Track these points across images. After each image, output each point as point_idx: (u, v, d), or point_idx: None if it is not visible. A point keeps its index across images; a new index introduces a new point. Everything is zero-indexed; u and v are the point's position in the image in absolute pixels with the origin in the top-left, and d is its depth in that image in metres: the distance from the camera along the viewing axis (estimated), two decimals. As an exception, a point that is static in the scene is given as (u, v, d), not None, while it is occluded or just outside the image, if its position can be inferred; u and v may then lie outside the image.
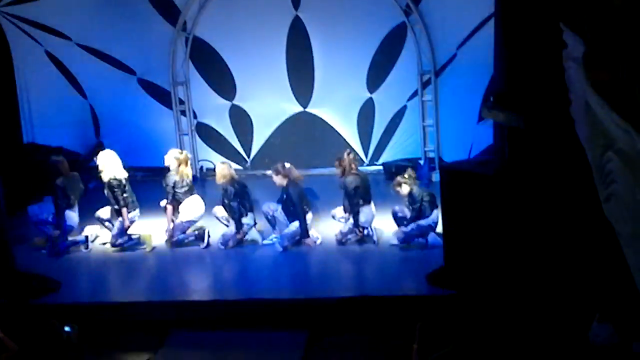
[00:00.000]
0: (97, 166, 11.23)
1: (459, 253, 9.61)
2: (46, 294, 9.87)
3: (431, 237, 10.79)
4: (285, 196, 11.11)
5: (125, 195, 11.04)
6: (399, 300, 9.55)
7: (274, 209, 11.22)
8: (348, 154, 11.21)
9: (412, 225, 10.80)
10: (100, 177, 11.17)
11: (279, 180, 11.12)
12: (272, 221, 11.31)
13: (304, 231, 11.04)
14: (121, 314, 9.63)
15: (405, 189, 10.83)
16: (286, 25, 13.47)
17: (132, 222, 11.19)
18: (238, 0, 13.41)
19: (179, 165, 11.23)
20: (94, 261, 11.07)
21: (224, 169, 11.30)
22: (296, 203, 11.00)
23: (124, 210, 11.04)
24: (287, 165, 11.28)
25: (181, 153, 11.50)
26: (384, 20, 13.30)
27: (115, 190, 10.99)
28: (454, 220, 9.61)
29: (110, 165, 11.08)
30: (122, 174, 11.13)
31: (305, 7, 13.31)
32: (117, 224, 11.17)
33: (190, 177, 11.45)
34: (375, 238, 11.09)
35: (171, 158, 11.29)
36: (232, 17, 13.50)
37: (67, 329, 8.11)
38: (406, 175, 10.86)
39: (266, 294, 9.82)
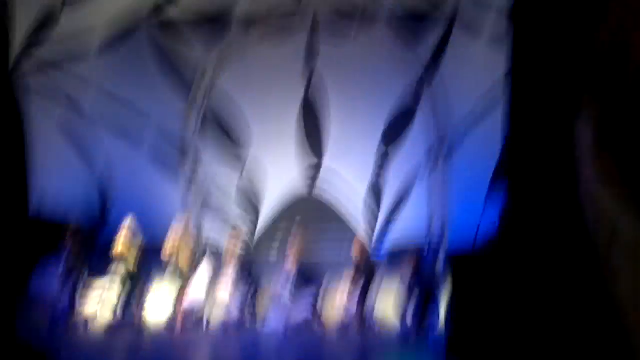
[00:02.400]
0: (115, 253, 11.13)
1: (463, 343, 9.36)
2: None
3: (432, 334, 10.61)
4: (294, 276, 10.99)
5: None
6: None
7: (282, 290, 11.10)
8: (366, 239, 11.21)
9: (412, 321, 10.64)
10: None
11: (293, 257, 11.01)
12: (276, 303, 11.16)
13: (315, 315, 10.93)
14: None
15: (408, 276, 10.73)
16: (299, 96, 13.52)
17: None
18: (252, 82, 13.46)
19: (182, 253, 11.14)
20: (92, 341, 10.90)
21: (232, 250, 11.22)
22: (303, 284, 10.89)
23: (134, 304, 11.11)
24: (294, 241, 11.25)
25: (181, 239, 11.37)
26: (396, 90, 13.41)
27: None
28: (461, 308, 9.39)
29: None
30: None
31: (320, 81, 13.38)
32: None
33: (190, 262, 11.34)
34: (377, 323, 10.98)
35: (173, 246, 11.19)
36: (245, 87, 13.58)
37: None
38: (410, 263, 10.75)
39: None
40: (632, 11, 6.64)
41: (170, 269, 11.15)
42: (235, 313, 11.05)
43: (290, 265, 11.03)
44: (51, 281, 11.58)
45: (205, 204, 14.28)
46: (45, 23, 12.18)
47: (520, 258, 8.78)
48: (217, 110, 13.86)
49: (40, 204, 13.59)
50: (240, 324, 11.08)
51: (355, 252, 11.20)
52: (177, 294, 11.10)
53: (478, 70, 12.23)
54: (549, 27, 8.18)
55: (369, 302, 10.94)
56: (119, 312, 11.12)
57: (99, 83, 13.30)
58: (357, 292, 11.02)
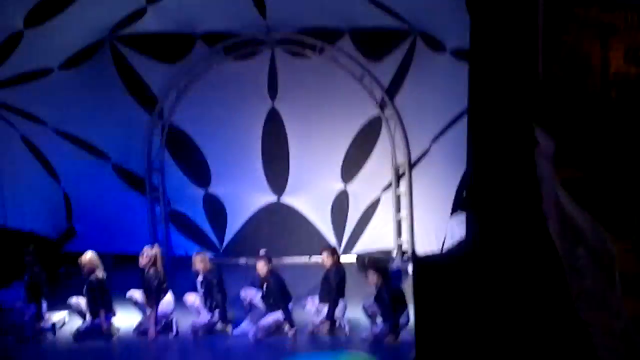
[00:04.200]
0: (81, 263, 11.11)
1: (431, 348, 9.52)
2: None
3: (403, 335, 10.73)
4: (265, 285, 11.05)
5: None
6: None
7: (253, 295, 11.14)
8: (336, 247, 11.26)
9: (381, 326, 10.75)
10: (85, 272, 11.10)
11: (262, 268, 11.06)
12: (247, 308, 11.21)
13: (289, 320, 10.97)
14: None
15: (375, 284, 10.83)
16: (262, 115, 13.68)
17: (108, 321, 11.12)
18: (215, 90, 13.53)
19: (155, 263, 11.16)
20: (60, 349, 10.88)
21: (202, 258, 11.26)
22: (278, 292, 10.95)
23: (102, 311, 11.02)
24: (263, 252, 11.27)
25: (152, 249, 11.39)
26: (359, 113, 13.52)
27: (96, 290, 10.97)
28: (426, 313, 9.55)
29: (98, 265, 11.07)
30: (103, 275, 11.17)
31: (282, 98, 13.52)
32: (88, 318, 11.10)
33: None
34: (346, 330, 11.03)
35: (145, 258, 11.20)
36: (209, 105, 13.65)
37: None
38: (378, 271, 10.86)
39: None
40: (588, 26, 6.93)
41: (142, 275, 11.17)
42: (205, 318, 11.09)
43: (260, 271, 11.09)
44: (17, 290, 11.55)
45: (172, 215, 14.32)
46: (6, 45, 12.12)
47: (486, 264, 8.99)
48: (181, 127, 13.90)
49: (4, 214, 13.55)
50: (210, 328, 11.12)
51: (324, 258, 11.30)
52: (147, 300, 11.11)
53: (443, 85, 12.41)
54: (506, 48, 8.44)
55: (339, 306, 11.03)
56: (88, 318, 11.12)
57: (62, 98, 13.24)
58: (328, 297, 11.12)
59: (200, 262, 11.19)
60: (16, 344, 10.80)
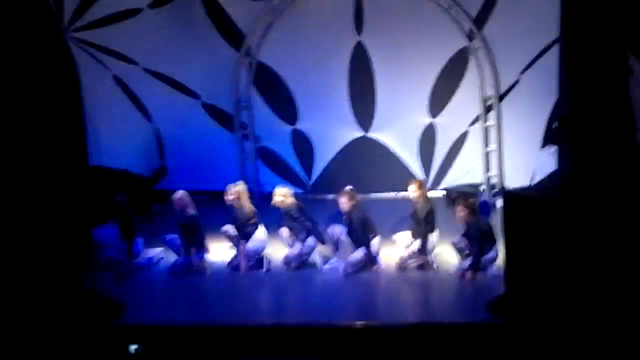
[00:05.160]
0: (173, 200, 11.36)
1: (521, 281, 9.46)
2: (113, 316, 9.99)
3: (491, 269, 10.66)
4: (350, 221, 11.11)
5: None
6: (461, 328, 9.44)
7: (340, 232, 11.21)
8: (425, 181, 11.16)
9: (470, 261, 10.68)
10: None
11: (345, 203, 11.09)
12: (336, 244, 11.31)
13: (369, 257, 11.04)
14: (184, 337, 9.68)
15: (465, 220, 10.74)
16: (349, 50, 13.54)
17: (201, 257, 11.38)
18: (301, 26, 13.49)
19: (240, 199, 11.32)
20: (156, 284, 11.20)
21: (284, 192, 11.36)
22: (360, 227, 11.00)
23: (193, 249, 11.25)
24: (348, 188, 11.30)
25: (237, 185, 11.54)
26: (447, 44, 13.26)
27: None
28: (516, 248, 9.47)
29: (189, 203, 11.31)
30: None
31: (368, 32, 13.36)
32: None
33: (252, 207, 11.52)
34: (435, 265, 11.03)
35: (231, 194, 11.37)
36: (295, 42, 13.61)
37: (132, 348, 8.26)
38: (467, 207, 10.74)
39: (328, 317, 9.77)
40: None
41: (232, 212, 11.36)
42: (296, 249, 11.23)
43: (343, 206, 11.12)
44: (113, 227, 11.88)
45: (260, 151, 14.46)
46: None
47: (578, 198, 8.81)
48: (267, 63, 13.92)
49: (99, 154, 13.91)
50: (300, 259, 11.27)
51: (412, 191, 11.22)
52: (239, 236, 11.30)
53: (532, 14, 12.09)
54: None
55: (428, 241, 11.00)
56: (181, 254, 11.38)
57: (151, 37, 13.39)
58: (417, 231, 11.09)
59: (281, 195, 11.31)
60: (113, 280, 11.14)
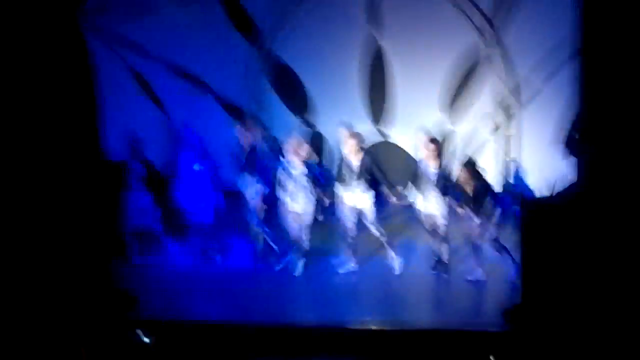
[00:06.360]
0: None
1: (538, 291, 9.39)
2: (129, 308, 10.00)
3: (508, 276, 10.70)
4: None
5: None
6: (474, 335, 9.41)
7: None
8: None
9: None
10: None
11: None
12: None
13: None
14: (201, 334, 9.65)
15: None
16: (362, 43, 13.57)
17: None
18: (315, 18, 13.48)
19: None
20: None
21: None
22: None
23: None
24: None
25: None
26: (465, 50, 13.26)
27: None
28: (534, 257, 9.41)
29: None
30: None
31: (382, 27, 13.33)
32: None
33: None
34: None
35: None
36: (308, 35, 13.59)
37: (146, 340, 8.31)
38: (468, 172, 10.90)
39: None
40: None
41: None
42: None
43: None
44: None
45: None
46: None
47: (597, 208, 8.76)
48: (282, 57, 13.95)
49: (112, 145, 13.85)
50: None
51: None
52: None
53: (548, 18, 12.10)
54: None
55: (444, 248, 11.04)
56: None
57: (167, 30, 13.47)
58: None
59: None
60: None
